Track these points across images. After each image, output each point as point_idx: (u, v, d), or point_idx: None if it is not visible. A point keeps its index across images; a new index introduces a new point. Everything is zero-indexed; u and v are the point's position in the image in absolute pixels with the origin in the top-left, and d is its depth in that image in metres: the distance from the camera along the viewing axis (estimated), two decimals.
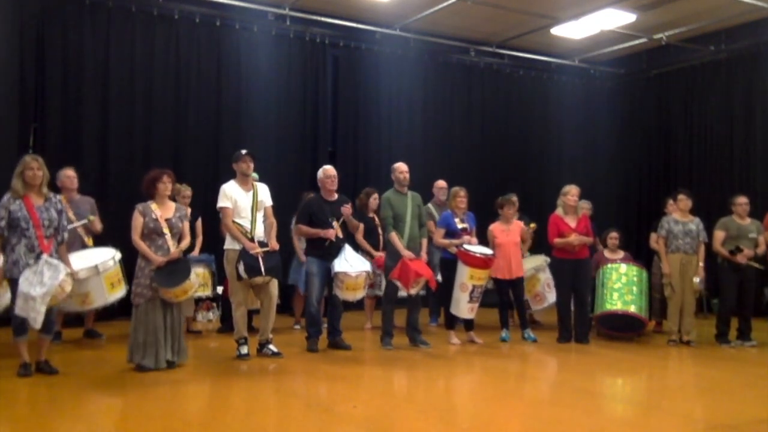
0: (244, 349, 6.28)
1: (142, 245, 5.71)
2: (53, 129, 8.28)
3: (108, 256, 6.49)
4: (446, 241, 7.17)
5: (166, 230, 5.75)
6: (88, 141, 8.44)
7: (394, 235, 6.86)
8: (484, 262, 6.96)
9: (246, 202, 6.28)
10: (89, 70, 8.46)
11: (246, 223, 6.23)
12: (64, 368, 5.56)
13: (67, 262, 5.53)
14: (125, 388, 5.19)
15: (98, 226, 6.99)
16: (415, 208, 7.05)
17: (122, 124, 8.62)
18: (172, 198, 6.21)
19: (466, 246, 7.01)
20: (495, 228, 7.53)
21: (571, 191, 7.52)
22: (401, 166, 7.10)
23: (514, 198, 7.82)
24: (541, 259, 8.19)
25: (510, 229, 7.51)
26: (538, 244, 8.16)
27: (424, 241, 7.14)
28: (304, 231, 6.84)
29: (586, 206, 8.42)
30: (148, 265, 5.68)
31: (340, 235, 6.76)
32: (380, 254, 7.59)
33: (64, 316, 6.90)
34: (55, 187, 6.53)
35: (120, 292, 6.51)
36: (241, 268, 6.03)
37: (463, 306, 7.05)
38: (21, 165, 5.42)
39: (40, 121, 8.27)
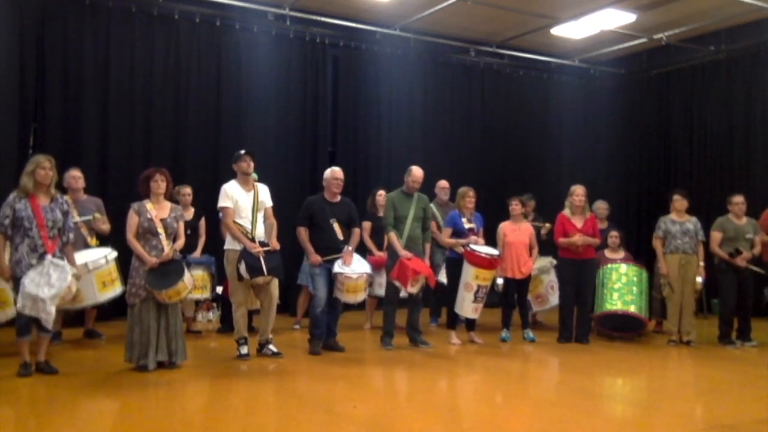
0: (244, 349, 6.28)
1: (136, 245, 5.69)
2: (53, 129, 8.28)
3: (100, 254, 6.47)
4: (452, 241, 7.17)
5: (160, 230, 5.73)
6: (88, 141, 8.44)
7: (392, 235, 6.86)
8: (489, 263, 6.96)
9: (247, 202, 6.27)
10: (89, 70, 8.46)
11: (246, 224, 6.23)
12: (64, 368, 5.56)
13: (73, 263, 5.53)
14: (125, 388, 5.19)
15: (105, 226, 6.99)
16: (420, 211, 7.03)
17: (122, 124, 8.62)
18: (171, 198, 6.19)
19: (472, 246, 7.01)
20: (505, 227, 7.54)
21: (577, 191, 7.52)
22: (417, 176, 7.03)
23: (523, 197, 7.84)
24: (547, 261, 8.19)
25: (520, 229, 7.51)
26: (543, 244, 8.13)
27: (428, 245, 7.11)
28: (302, 236, 6.77)
29: (603, 206, 8.43)
30: (143, 266, 5.66)
31: (341, 237, 6.74)
32: (380, 254, 7.60)
33: (64, 316, 6.90)
34: (61, 187, 6.55)
35: (113, 291, 6.49)
36: (243, 268, 6.02)
37: (468, 306, 7.06)
38: (33, 164, 5.40)
39: (40, 121, 8.27)
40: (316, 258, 6.57)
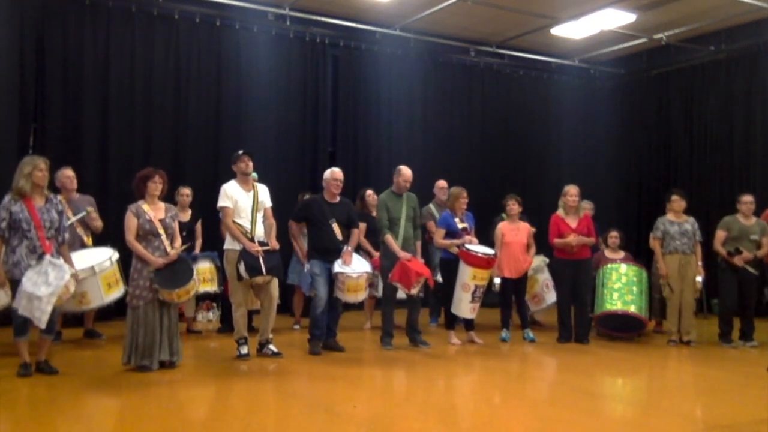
0: (244, 349, 6.28)
1: (138, 247, 5.66)
2: (53, 129, 8.28)
3: (105, 256, 6.47)
4: (447, 242, 7.16)
5: (161, 231, 5.72)
6: (88, 141, 8.45)
7: (389, 238, 6.85)
8: (486, 262, 6.96)
9: (246, 202, 6.28)
10: (89, 70, 8.46)
11: (246, 224, 6.23)
12: (64, 368, 5.56)
13: (69, 262, 5.52)
14: (125, 388, 5.19)
15: (98, 222, 6.99)
16: (410, 210, 7.04)
17: (122, 124, 8.62)
18: (169, 199, 6.18)
19: (468, 246, 7.00)
20: (504, 226, 7.53)
21: (570, 191, 7.52)
22: (407, 174, 7.04)
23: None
24: (540, 260, 8.19)
25: (519, 228, 7.51)
26: (539, 245, 8.14)
27: (419, 244, 7.13)
28: (293, 230, 7.07)
29: (587, 206, 8.42)
30: (146, 267, 5.64)
31: (340, 237, 6.74)
32: (378, 254, 7.59)
33: (64, 316, 6.90)
34: (53, 187, 6.54)
35: (117, 292, 6.49)
36: (242, 268, 6.03)
37: (465, 306, 7.05)
38: (29, 165, 5.39)
39: (40, 121, 8.27)
40: (304, 256, 6.99)
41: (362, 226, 7.66)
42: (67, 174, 6.97)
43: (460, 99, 11.25)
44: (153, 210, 5.76)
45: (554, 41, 10.98)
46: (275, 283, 6.32)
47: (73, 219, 6.71)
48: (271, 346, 6.38)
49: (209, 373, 5.77)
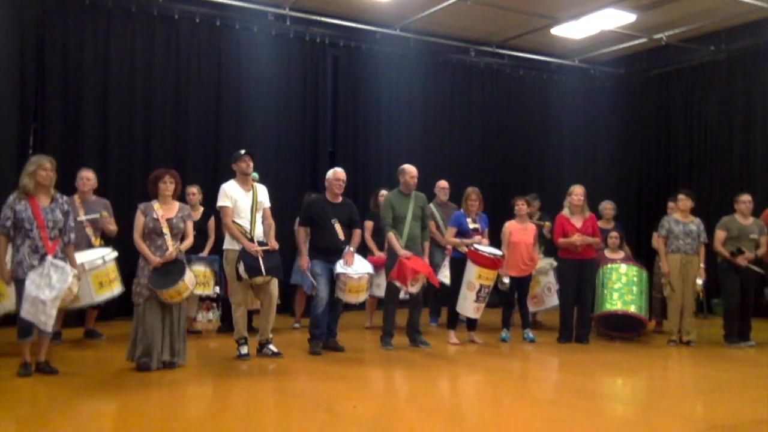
0: (244, 349, 6.29)
1: (142, 245, 5.73)
2: (53, 129, 8.27)
3: (97, 255, 6.46)
4: (457, 240, 7.17)
5: (165, 230, 5.74)
6: (88, 141, 8.44)
7: (391, 235, 6.86)
8: (492, 262, 6.97)
9: (246, 202, 6.28)
10: (89, 70, 8.46)
11: (245, 224, 6.23)
12: (64, 368, 5.56)
13: (74, 263, 5.53)
14: (125, 388, 5.19)
15: (112, 226, 6.99)
16: (418, 210, 7.03)
17: (122, 124, 8.62)
18: (180, 198, 6.18)
19: (476, 245, 7.02)
20: (511, 225, 7.54)
21: (576, 191, 7.52)
22: (412, 171, 7.04)
23: (528, 197, 7.86)
24: (547, 263, 8.18)
25: (526, 229, 7.52)
26: (552, 245, 8.13)
27: (426, 244, 7.13)
28: (300, 235, 6.91)
29: (609, 206, 8.46)
30: (147, 265, 5.69)
31: (342, 237, 6.75)
32: (380, 254, 7.58)
33: (63, 316, 6.89)
34: (73, 189, 6.60)
35: (110, 292, 6.46)
36: (241, 268, 6.03)
37: (470, 305, 7.06)
38: (34, 164, 5.38)
39: (40, 121, 8.26)
40: (305, 262, 6.74)
41: (369, 224, 7.68)
42: (81, 175, 6.99)
43: (460, 99, 11.24)
44: (163, 209, 5.79)
45: (554, 41, 10.97)
46: (275, 283, 6.32)
47: (84, 218, 6.70)
48: (271, 346, 6.38)
49: (209, 373, 5.77)
